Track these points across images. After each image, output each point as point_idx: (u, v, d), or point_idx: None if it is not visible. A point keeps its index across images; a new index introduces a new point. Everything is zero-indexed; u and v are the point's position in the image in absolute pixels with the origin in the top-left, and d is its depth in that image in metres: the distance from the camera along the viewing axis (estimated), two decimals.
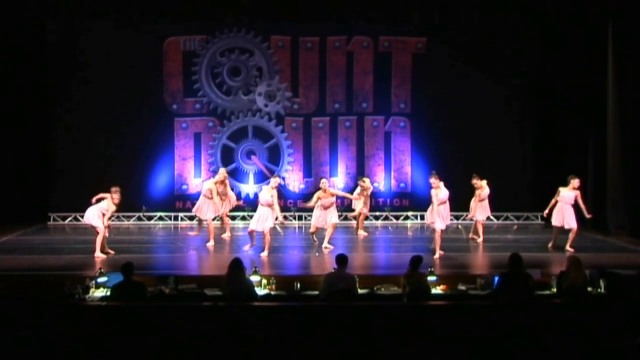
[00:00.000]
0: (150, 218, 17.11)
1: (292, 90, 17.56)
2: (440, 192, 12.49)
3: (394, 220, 17.37)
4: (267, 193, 12.53)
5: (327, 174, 17.42)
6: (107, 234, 12.56)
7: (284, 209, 17.45)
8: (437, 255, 12.02)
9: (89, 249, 13.19)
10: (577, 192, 12.79)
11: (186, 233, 15.10)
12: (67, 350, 7.33)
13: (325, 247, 13.14)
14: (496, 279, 9.06)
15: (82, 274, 9.76)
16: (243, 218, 16.58)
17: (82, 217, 16.96)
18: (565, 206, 12.78)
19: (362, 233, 14.85)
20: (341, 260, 8.92)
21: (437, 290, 9.45)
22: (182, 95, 17.45)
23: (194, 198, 17.11)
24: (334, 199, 13.43)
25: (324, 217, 13.25)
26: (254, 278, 9.36)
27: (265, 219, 12.46)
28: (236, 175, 17.42)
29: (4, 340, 7.29)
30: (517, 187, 16.96)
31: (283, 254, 13.13)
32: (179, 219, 17.21)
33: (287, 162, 17.61)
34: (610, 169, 15.07)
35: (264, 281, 9.58)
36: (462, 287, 9.66)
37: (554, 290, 9.25)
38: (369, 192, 14.85)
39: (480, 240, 13.81)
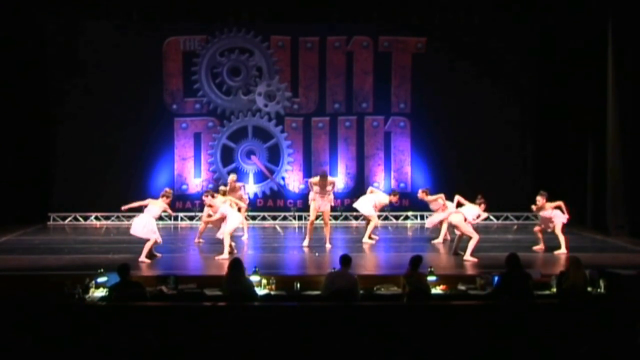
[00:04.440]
0: None
1: (292, 90, 17.56)
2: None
3: (394, 220, 17.37)
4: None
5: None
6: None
7: (283, 209, 17.61)
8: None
9: (89, 249, 13.21)
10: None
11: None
12: (67, 350, 7.34)
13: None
14: (496, 278, 9.07)
15: (82, 274, 9.75)
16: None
17: (82, 217, 17.17)
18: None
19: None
20: (345, 260, 8.94)
21: (437, 290, 9.46)
22: (182, 95, 17.45)
23: (194, 198, 17.16)
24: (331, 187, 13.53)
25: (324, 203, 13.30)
26: (254, 278, 9.36)
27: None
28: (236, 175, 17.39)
29: (4, 340, 7.30)
30: (517, 187, 16.95)
31: (283, 254, 13.14)
32: (179, 219, 17.20)
33: (287, 162, 17.61)
34: (610, 169, 15.06)
35: (264, 281, 9.58)
36: (462, 287, 9.66)
37: (554, 290, 9.26)
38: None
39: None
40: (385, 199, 14.32)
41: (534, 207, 13.05)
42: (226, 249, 12.03)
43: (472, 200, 12.69)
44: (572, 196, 15.58)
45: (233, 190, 14.31)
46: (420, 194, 14.17)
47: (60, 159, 17.02)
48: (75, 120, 16.93)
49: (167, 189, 12.92)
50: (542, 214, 12.94)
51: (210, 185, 16.89)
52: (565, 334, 7.54)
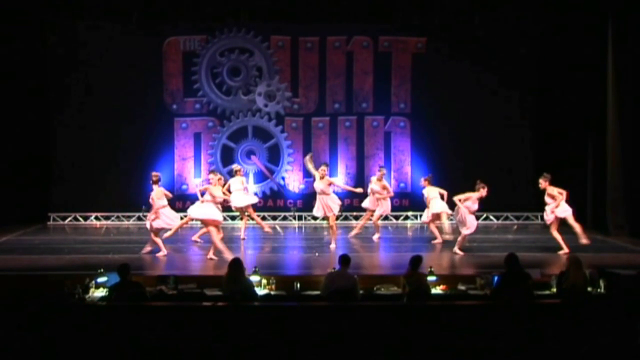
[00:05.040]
0: None
1: (292, 90, 17.56)
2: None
3: (394, 220, 17.36)
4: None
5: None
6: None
7: (283, 209, 17.60)
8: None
9: (89, 249, 13.22)
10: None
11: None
12: (67, 350, 7.34)
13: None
14: (496, 278, 9.07)
15: (82, 274, 9.76)
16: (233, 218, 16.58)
17: (82, 217, 17.18)
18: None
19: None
20: (344, 260, 8.94)
21: (437, 290, 9.46)
22: (182, 95, 17.45)
23: (194, 198, 17.07)
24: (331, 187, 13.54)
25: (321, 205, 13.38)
26: (254, 278, 9.36)
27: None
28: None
29: (4, 340, 7.30)
30: (517, 187, 16.96)
31: (283, 254, 13.14)
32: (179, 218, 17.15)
33: (287, 162, 17.61)
34: (610, 169, 15.06)
35: (264, 281, 9.59)
36: (462, 287, 9.66)
37: (554, 290, 9.25)
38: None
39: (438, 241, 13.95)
40: (375, 184, 14.56)
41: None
42: (216, 246, 12.13)
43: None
44: (572, 196, 15.57)
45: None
46: (423, 182, 14.33)
47: (60, 159, 17.02)
48: (75, 120, 16.95)
49: (153, 173, 13.16)
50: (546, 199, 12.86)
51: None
52: (565, 334, 7.54)
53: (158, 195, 12.70)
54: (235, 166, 15.16)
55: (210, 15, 16.62)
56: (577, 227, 12.74)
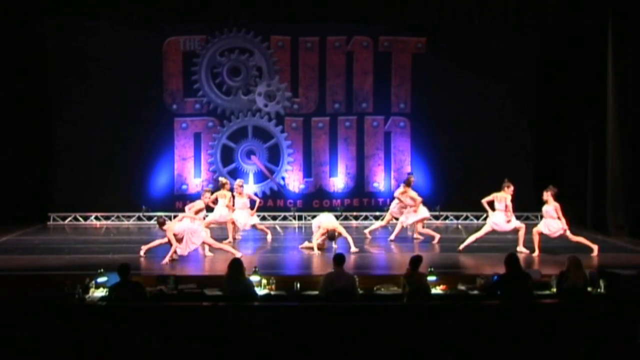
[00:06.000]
0: (150, 218, 17.07)
1: (292, 90, 17.56)
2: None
3: (394, 220, 17.33)
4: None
5: (327, 174, 17.47)
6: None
7: (283, 209, 17.60)
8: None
9: (89, 249, 13.22)
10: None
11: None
12: (68, 350, 7.34)
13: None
14: (495, 279, 9.07)
15: (82, 274, 9.76)
16: None
17: (82, 217, 17.17)
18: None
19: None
20: (338, 259, 8.95)
21: (437, 290, 9.46)
22: (182, 95, 17.44)
23: (194, 198, 17.10)
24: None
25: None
26: (254, 278, 9.36)
27: None
28: (236, 175, 17.40)
29: (4, 340, 7.31)
30: (517, 187, 16.87)
31: (283, 254, 13.13)
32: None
33: (287, 162, 17.61)
34: (610, 169, 15.06)
35: (264, 281, 9.58)
36: (462, 287, 9.66)
37: (554, 290, 9.25)
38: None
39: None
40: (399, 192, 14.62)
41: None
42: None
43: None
44: (572, 196, 15.59)
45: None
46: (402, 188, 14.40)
47: (61, 159, 17.01)
48: (75, 120, 16.93)
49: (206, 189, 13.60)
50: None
51: (210, 185, 16.82)
52: (565, 334, 7.54)
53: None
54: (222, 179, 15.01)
55: (210, 15, 16.61)
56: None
